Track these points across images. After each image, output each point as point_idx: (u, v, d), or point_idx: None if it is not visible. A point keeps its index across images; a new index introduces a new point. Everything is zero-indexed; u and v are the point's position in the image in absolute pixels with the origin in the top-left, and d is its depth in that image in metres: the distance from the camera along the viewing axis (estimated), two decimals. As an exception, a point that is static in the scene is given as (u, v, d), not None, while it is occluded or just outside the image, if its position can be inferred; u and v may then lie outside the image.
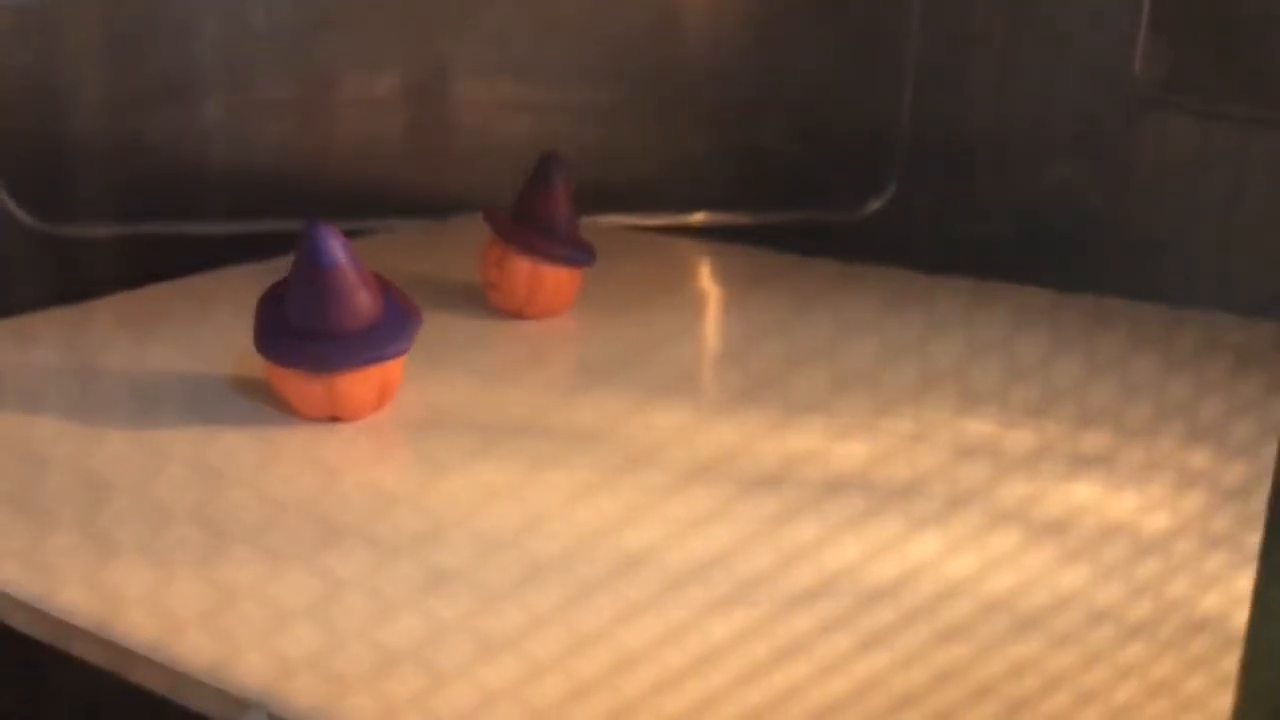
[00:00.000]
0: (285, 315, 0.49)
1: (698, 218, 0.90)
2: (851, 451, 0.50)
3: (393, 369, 0.50)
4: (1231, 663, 0.37)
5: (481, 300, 0.64)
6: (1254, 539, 0.44)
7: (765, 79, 0.90)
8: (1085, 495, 0.47)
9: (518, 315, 0.64)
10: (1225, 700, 0.35)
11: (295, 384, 0.49)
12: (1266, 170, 0.70)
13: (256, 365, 0.56)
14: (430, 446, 0.50)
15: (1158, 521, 0.45)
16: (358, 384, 0.49)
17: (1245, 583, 0.41)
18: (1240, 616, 0.39)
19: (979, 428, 0.52)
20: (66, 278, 0.77)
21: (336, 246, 0.48)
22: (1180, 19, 0.76)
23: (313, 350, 0.48)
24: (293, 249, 0.73)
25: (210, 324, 0.62)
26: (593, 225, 0.85)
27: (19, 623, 0.36)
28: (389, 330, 0.49)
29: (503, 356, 0.60)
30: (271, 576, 0.38)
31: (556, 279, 0.64)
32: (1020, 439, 0.52)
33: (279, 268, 0.71)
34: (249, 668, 0.34)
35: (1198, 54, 0.75)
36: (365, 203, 0.82)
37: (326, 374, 0.48)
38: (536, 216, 0.63)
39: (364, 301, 0.49)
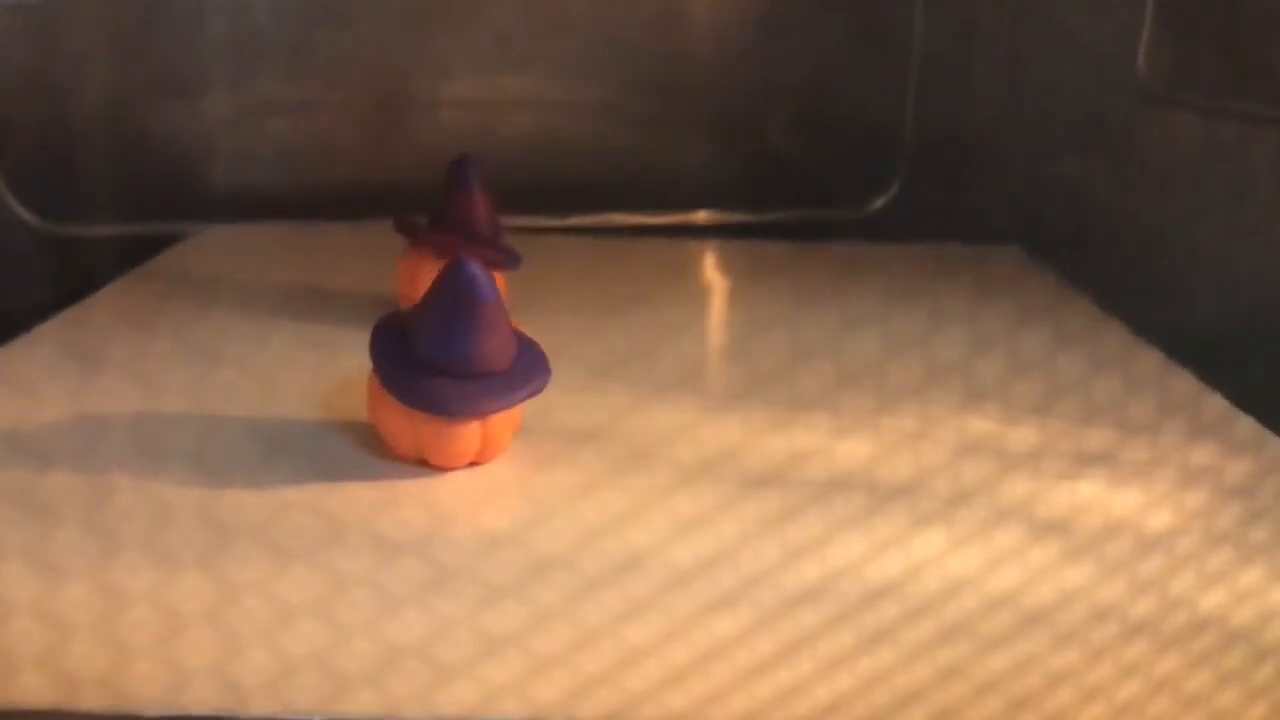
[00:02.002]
0: (419, 359, 0.45)
1: (700, 216, 0.90)
2: (855, 449, 0.50)
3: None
4: (1234, 659, 0.37)
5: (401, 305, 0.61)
6: (1257, 535, 0.44)
7: (768, 77, 0.90)
8: (1088, 492, 0.47)
9: None
10: (1228, 697, 0.35)
11: (446, 432, 0.45)
12: (1271, 167, 0.70)
13: (259, 365, 0.56)
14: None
15: (1161, 518, 0.45)
16: (506, 423, 0.47)
17: (1248, 579, 0.41)
18: (1243, 613, 0.39)
19: (982, 424, 0.53)
20: (69, 277, 0.78)
21: (488, 281, 0.45)
22: (1184, 15, 0.76)
23: (480, 393, 0.45)
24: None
25: (211, 319, 0.62)
26: (592, 225, 0.86)
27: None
28: (532, 360, 0.47)
29: None
30: (275, 574, 0.39)
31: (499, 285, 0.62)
32: (1023, 436, 0.52)
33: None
34: (252, 665, 0.34)
35: (1202, 50, 0.75)
36: (368, 201, 0.83)
37: (488, 416, 0.46)
38: (467, 224, 0.60)
39: (511, 335, 0.46)
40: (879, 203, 0.91)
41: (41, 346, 0.58)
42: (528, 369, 0.47)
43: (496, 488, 0.46)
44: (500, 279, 0.61)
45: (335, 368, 0.56)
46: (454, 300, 0.45)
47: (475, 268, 0.45)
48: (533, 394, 0.46)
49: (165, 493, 0.43)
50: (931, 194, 0.90)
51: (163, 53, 0.80)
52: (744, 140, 0.91)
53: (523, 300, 0.67)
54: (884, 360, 0.57)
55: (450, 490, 0.46)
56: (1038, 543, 0.43)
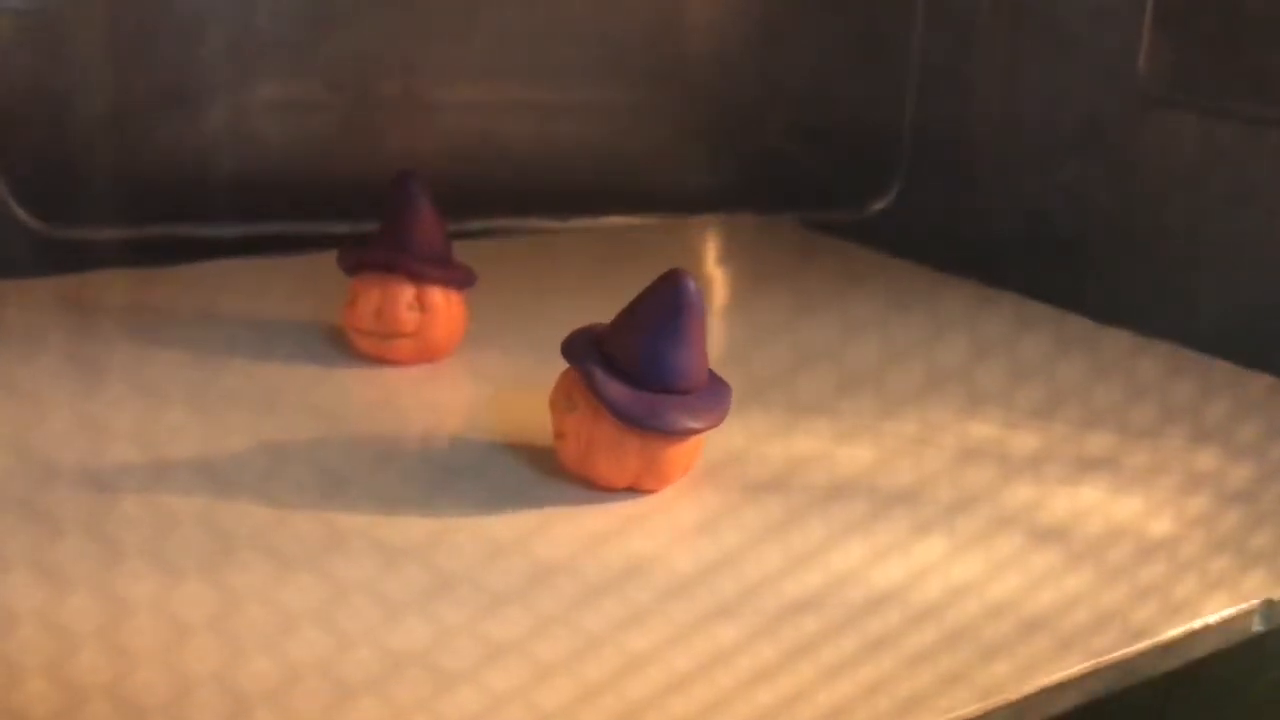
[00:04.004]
0: (638, 379, 0.44)
1: (701, 219, 0.90)
2: (857, 454, 0.50)
3: None
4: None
5: (356, 342, 0.58)
6: (1259, 541, 0.44)
7: (768, 79, 0.90)
8: (1090, 497, 0.47)
9: (433, 358, 0.58)
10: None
11: (672, 451, 0.45)
12: (1272, 169, 0.70)
13: (263, 370, 0.56)
14: (435, 454, 0.50)
15: (1163, 524, 0.45)
16: (702, 436, 0.46)
17: (1250, 585, 0.41)
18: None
19: (983, 430, 0.53)
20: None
21: (701, 295, 0.44)
22: (1184, 17, 0.76)
23: (703, 407, 0.44)
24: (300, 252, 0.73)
25: (215, 320, 0.62)
26: (592, 227, 0.86)
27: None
28: (713, 373, 0.47)
29: (484, 375, 0.58)
30: (277, 581, 0.39)
31: (462, 305, 0.58)
32: (1025, 441, 0.52)
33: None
34: (255, 672, 0.34)
35: (1202, 52, 0.75)
36: (369, 204, 0.83)
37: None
38: (418, 243, 0.56)
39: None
40: (879, 206, 0.91)
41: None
42: (715, 380, 0.46)
43: (499, 495, 0.46)
44: (461, 296, 0.58)
45: (333, 379, 0.56)
46: (679, 316, 0.44)
47: (693, 282, 0.44)
48: (728, 402, 0.46)
49: (169, 501, 0.43)
50: (932, 197, 0.90)
51: (164, 57, 0.80)
52: (744, 143, 0.91)
53: (522, 304, 0.67)
54: (885, 365, 0.57)
55: (455, 496, 0.46)
56: (1039, 548, 0.43)
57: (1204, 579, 0.41)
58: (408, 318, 0.56)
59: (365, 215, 0.81)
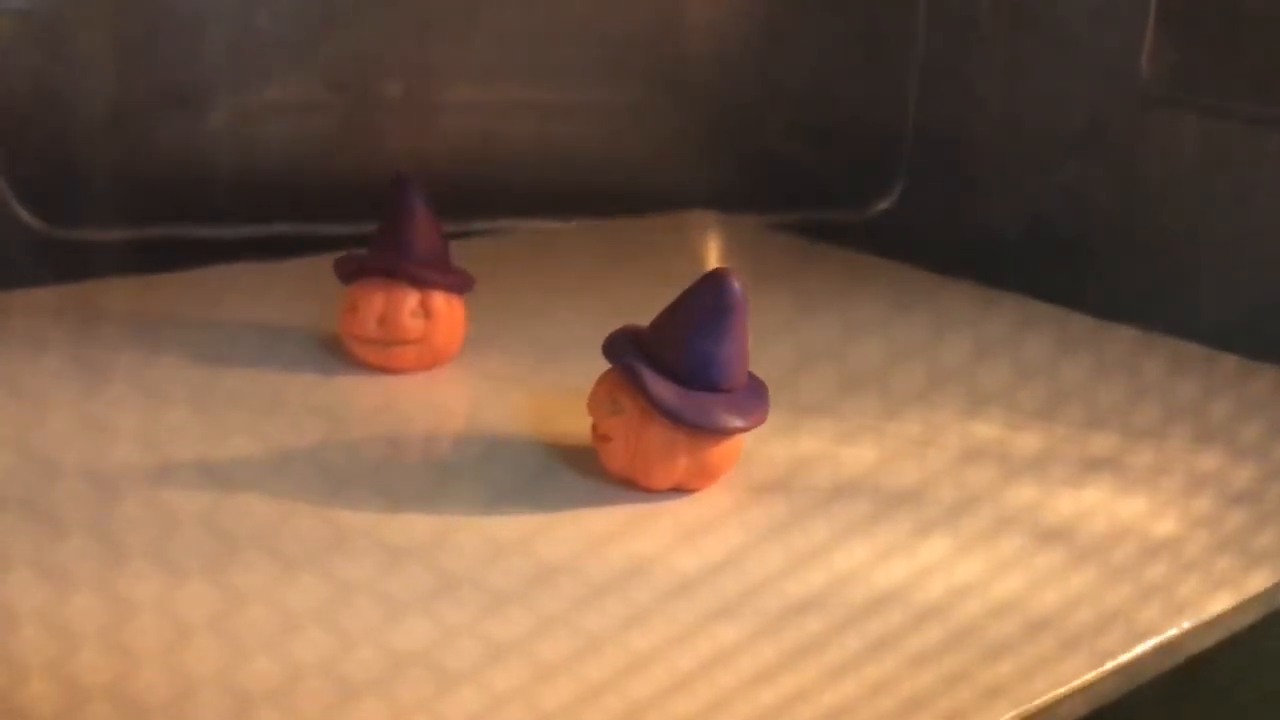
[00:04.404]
0: (675, 376, 0.43)
1: (703, 218, 0.90)
2: (859, 455, 0.50)
3: None
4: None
5: (356, 351, 0.57)
6: (1263, 540, 0.44)
7: (768, 79, 0.90)
8: (1093, 497, 0.47)
9: (435, 363, 0.57)
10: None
11: (719, 450, 0.45)
12: (1273, 169, 0.70)
13: (265, 374, 0.56)
14: (440, 452, 0.50)
15: (1166, 523, 0.45)
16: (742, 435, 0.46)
17: (1255, 584, 0.41)
18: (1248, 618, 0.39)
19: (986, 430, 0.53)
20: (75, 282, 0.77)
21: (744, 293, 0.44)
22: (1187, 18, 0.76)
23: (750, 405, 0.44)
24: (301, 253, 0.73)
25: (220, 322, 0.62)
26: (593, 228, 0.86)
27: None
28: (750, 372, 0.46)
29: (486, 377, 0.57)
30: (281, 581, 0.39)
31: (463, 309, 0.57)
32: (1027, 441, 0.52)
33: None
34: (257, 672, 0.34)
35: (1204, 53, 0.75)
36: (372, 206, 0.83)
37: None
38: (423, 248, 0.55)
39: None
40: (881, 206, 0.91)
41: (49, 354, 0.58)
42: (753, 378, 0.46)
43: (501, 495, 0.46)
44: (461, 300, 0.57)
45: (335, 383, 0.56)
46: (725, 315, 0.44)
47: (737, 282, 0.44)
48: (769, 400, 0.46)
49: (172, 501, 0.43)
50: (932, 197, 0.90)
51: (166, 58, 0.80)
52: (746, 143, 0.91)
53: (524, 305, 0.67)
54: (887, 366, 0.57)
55: (459, 496, 0.46)
56: (1043, 548, 0.43)
57: (1208, 578, 0.41)
58: (412, 324, 0.55)
59: (366, 216, 0.81)
